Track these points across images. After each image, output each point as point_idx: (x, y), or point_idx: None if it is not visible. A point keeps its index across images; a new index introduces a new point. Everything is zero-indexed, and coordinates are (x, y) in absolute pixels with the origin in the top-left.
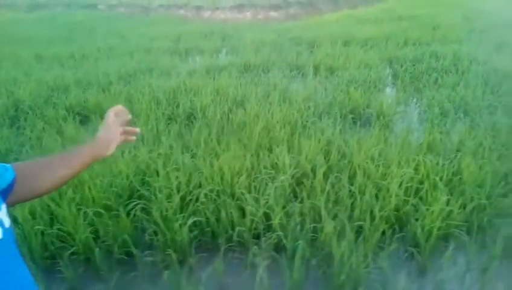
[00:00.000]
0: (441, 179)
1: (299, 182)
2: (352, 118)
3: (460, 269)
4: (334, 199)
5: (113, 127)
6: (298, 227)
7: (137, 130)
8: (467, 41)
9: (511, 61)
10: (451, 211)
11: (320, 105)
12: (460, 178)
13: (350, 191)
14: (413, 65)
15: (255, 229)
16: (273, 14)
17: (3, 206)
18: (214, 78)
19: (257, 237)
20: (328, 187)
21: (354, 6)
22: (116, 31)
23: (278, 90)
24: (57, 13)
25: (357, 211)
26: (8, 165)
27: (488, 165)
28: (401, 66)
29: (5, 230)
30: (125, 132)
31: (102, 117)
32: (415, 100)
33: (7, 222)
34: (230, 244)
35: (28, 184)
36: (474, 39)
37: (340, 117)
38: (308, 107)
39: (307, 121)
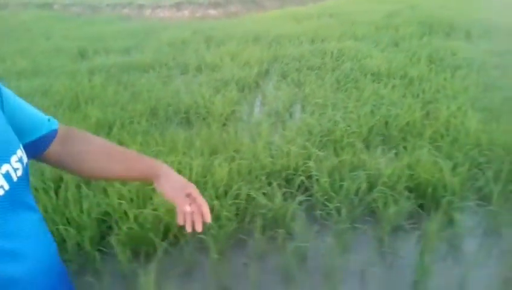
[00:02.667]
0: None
1: None
2: (185, 118)
3: None
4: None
5: (185, 194)
6: None
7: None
8: (368, 38)
9: (388, 58)
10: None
11: (160, 105)
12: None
13: None
14: (288, 64)
15: None
16: (212, 12)
17: (21, 146)
18: (81, 79)
19: None
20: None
21: (302, 3)
22: (49, 31)
23: (129, 91)
24: (5, 13)
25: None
26: (55, 120)
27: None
28: (280, 64)
29: (24, 168)
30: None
31: None
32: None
33: (25, 159)
34: None
35: (76, 154)
36: (375, 36)
37: (176, 116)
38: (149, 107)
39: (131, 122)
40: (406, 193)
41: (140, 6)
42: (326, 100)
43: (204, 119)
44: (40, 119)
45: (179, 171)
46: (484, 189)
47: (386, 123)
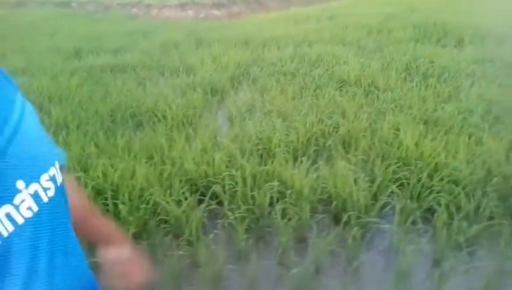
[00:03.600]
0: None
1: None
2: (140, 121)
3: None
4: None
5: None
6: None
7: None
8: (356, 42)
9: (363, 64)
10: None
11: (122, 106)
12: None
13: None
14: (264, 68)
15: None
16: (215, 12)
17: (57, 163)
18: (62, 79)
19: None
20: None
21: (309, 3)
22: (56, 30)
23: (102, 92)
24: (20, 11)
25: None
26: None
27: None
28: (257, 68)
29: (57, 187)
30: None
31: None
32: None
33: (59, 179)
34: None
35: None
36: (364, 40)
37: (133, 119)
38: (110, 108)
39: (87, 123)
40: (318, 206)
41: (148, 6)
42: (282, 107)
43: (157, 122)
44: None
45: (104, 174)
46: (391, 205)
47: (329, 133)
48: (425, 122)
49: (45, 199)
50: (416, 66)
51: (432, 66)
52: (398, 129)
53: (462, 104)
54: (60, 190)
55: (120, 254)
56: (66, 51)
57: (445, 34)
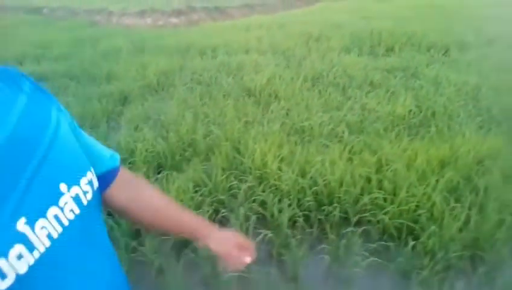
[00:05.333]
0: None
1: None
2: None
3: None
4: None
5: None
6: None
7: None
8: (288, 51)
9: (277, 74)
10: None
11: None
12: None
13: None
14: (184, 77)
15: None
16: (173, 20)
17: (92, 168)
18: None
19: None
20: None
21: (273, 11)
22: (12, 36)
23: None
24: None
25: None
26: (117, 156)
27: None
28: (176, 77)
29: (94, 191)
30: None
31: None
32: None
33: (96, 183)
34: None
35: (135, 201)
36: (296, 49)
37: None
38: None
39: None
40: None
41: (110, 13)
42: (172, 116)
43: None
44: (103, 154)
45: None
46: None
47: (199, 142)
48: (296, 132)
49: (85, 202)
50: (326, 75)
51: (341, 75)
52: (255, 141)
53: (339, 114)
54: (97, 194)
55: (222, 242)
56: (10, 58)
57: (379, 42)
